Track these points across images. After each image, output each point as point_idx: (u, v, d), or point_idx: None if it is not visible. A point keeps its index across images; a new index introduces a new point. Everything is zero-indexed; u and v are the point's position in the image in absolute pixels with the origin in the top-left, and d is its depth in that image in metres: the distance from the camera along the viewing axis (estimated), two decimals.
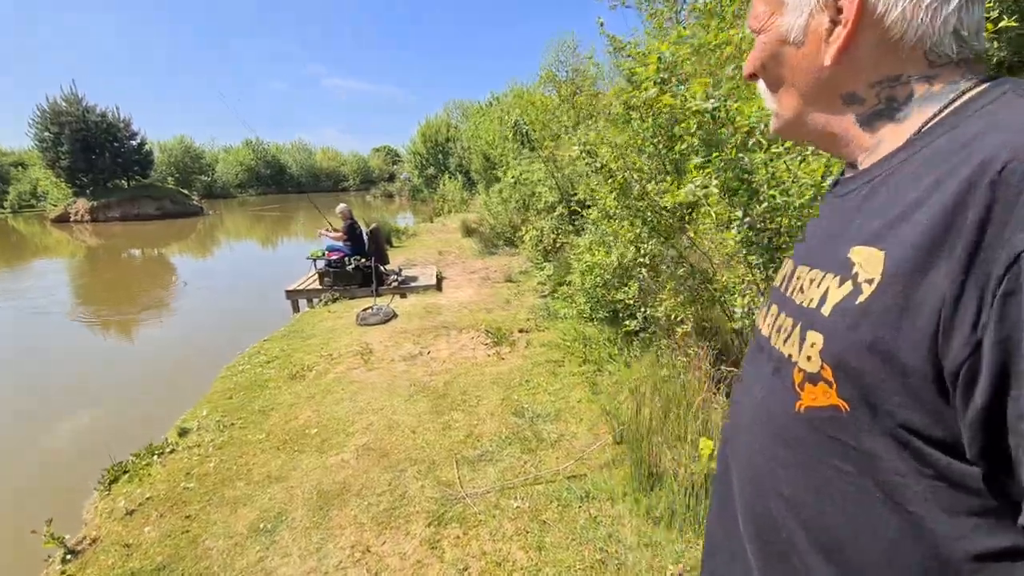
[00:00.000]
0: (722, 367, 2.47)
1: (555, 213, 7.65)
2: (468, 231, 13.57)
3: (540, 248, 7.87)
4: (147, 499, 2.81)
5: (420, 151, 34.84)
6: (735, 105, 1.96)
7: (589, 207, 7.15)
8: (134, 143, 26.47)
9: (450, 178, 27.78)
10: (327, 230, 7.52)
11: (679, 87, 2.36)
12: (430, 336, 5.44)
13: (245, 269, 13.81)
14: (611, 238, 4.54)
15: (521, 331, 5.44)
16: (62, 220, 24.35)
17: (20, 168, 34.22)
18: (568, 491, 2.67)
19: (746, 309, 2.36)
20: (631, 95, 5.17)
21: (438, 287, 7.55)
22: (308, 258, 7.30)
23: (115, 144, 25.41)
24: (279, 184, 54.29)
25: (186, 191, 31.50)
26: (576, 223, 7.19)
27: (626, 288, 4.31)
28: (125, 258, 16.52)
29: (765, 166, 1.99)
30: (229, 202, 44.12)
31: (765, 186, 1.96)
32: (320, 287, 7.15)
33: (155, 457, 3.21)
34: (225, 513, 2.65)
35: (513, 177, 7.99)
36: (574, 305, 5.04)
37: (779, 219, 1.97)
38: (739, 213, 2.03)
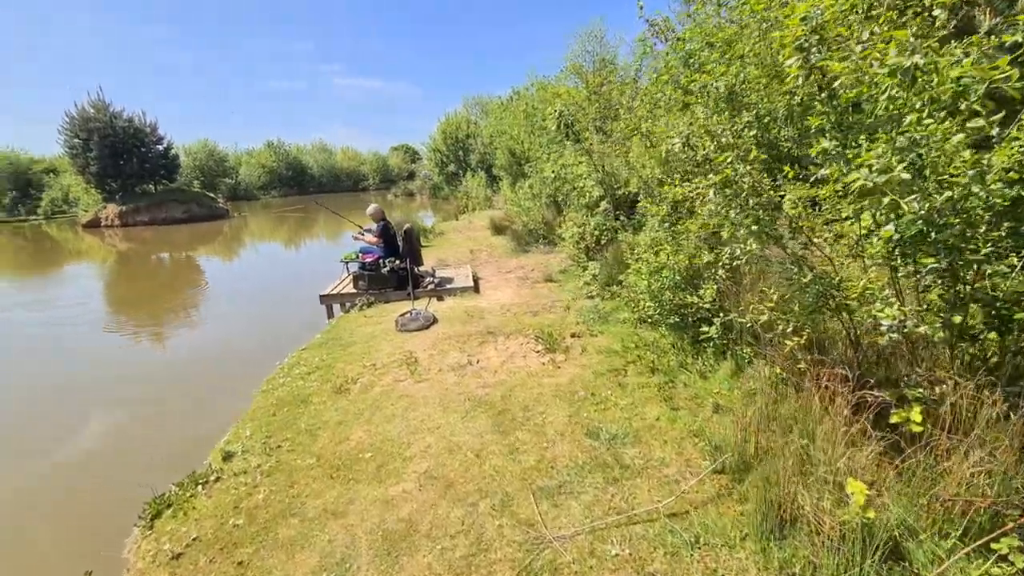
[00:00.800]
0: (866, 391, 2.06)
1: (599, 209, 7.23)
2: (497, 229, 13.23)
3: (582, 246, 7.47)
4: (194, 540, 2.53)
5: (440, 148, 34.60)
6: (943, 60, 1.53)
7: (637, 202, 6.73)
8: (160, 147, 26.76)
9: (472, 175, 27.46)
10: (361, 233, 7.24)
11: (820, 52, 1.94)
12: (475, 343, 5.10)
13: (272, 271, 13.73)
14: (682, 236, 4.12)
15: (573, 336, 5.07)
16: (93, 225, 24.78)
17: (52, 175, 35.02)
18: (673, 534, 2.29)
19: (897, 321, 1.94)
20: (691, 80, 4.73)
21: (475, 288, 7.21)
22: (341, 261, 7.04)
23: (142, 149, 25.71)
24: (300, 185, 54.70)
25: (212, 194, 31.80)
26: (625, 219, 6.78)
27: (699, 292, 3.90)
28: (155, 262, 16.62)
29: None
30: (253, 204, 44.60)
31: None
32: (355, 291, 6.88)
33: (199, 487, 2.93)
34: (281, 559, 2.35)
35: (553, 171, 7.57)
36: (637, 309, 4.64)
37: (973, 209, 1.55)
38: (914, 204, 1.61)
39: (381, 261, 6.99)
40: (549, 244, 10.24)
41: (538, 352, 4.72)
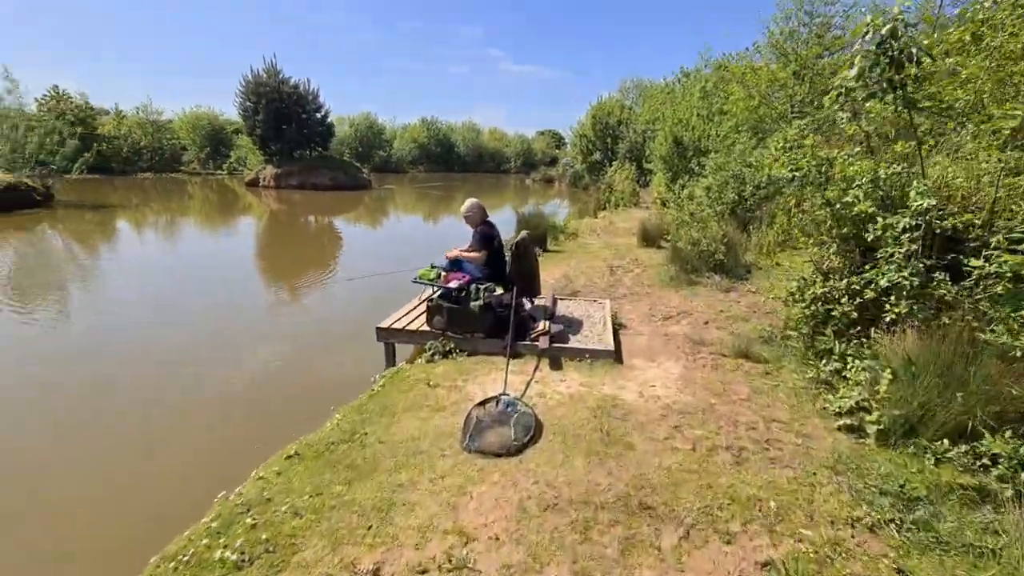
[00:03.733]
0: None
1: (899, 251, 3.73)
2: (648, 237, 10.06)
3: (816, 309, 4.08)
4: None
5: (588, 133, 31.55)
6: None
7: (967, 242, 3.25)
8: (319, 115, 27.77)
9: (620, 166, 24.08)
10: (462, 249, 4.79)
11: None
12: (612, 527, 2.29)
13: (403, 250, 12.13)
14: None
15: (843, 549, 2.00)
16: (252, 184, 26.58)
17: (239, 135, 39.24)
18: None
19: None
20: None
21: (616, 356, 4.33)
22: (416, 280, 4.63)
23: (303, 116, 26.82)
24: (446, 162, 55.76)
25: (358, 164, 32.66)
26: (941, 275, 3.29)
27: None
28: (302, 224, 16.60)
29: None
30: (400, 177, 46.09)
31: None
32: (428, 328, 4.45)
33: None
34: None
35: (788, 167, 4.17)
36: None
37: None
38: None
39: (474, 287, 4.46)
40: (731, 275, 6.89)
41: None
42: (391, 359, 4.59)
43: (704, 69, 22.92)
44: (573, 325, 4.88)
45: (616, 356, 4.29)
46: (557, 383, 3.83)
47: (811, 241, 4.35)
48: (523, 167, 57.36)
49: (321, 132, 28.26)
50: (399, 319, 4.67)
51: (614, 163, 25.72)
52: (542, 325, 4.48)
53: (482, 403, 3.27)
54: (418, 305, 4.92)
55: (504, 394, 3.39)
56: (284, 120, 26.08)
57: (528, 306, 4.97)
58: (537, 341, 4.28)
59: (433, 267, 4.54)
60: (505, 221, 14.39)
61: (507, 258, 4.65)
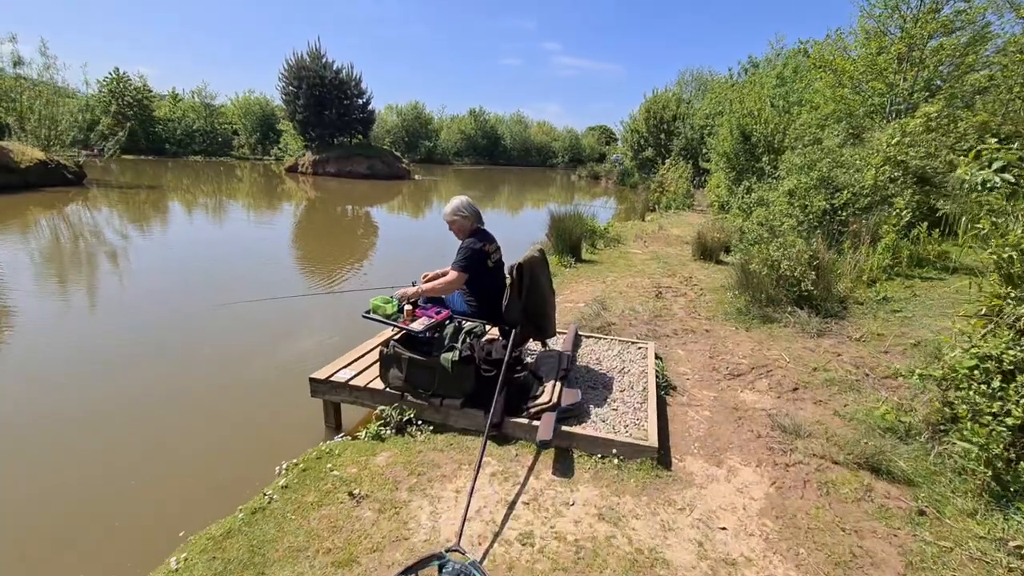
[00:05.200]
0: None
1: None
2: (705, 250, 8.31)
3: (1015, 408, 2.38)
4: None
5: (640, 128, 29.41)
6: None
7: None
8: (360, 101, 27.02)
9: (673, 164, 21.95)
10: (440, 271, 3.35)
11: None
12: None
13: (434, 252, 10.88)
14: None
15: None
16: (292, 170, 26.18)
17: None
18: None
19: None
20: None
21: (662, 453, 2.76)
22: (367, 315, 3.18)
23: (345, 102, 26.12)
24: (492, 155, 54.56)
25: (397, 153, 31.79)
26: None
27: None
28: (339, 212, 15.75)
29: None
30: (445, 168, 45.19)
31: None
32: (382, 386, 3.03)
33: None
34: None
35: (995, 167, 2.49)
36: None
37: None
38: None
39: (452, 328, 3.01)
40: (821, 312, 5.11)
41: None
42: (333, 423, 3.21)
43: (776, 59, 20.49)
44: (598, 387, 3.35)
45: (661, 454, 2.73)
46: (560, 510, 2.32)
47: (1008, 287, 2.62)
48: (570, 163, 55.40)
49: (362, 119, 27.52)
50: (350, 364, 3.27)
51: (667, 160, 23.62)
52: (548, 391, 2.97)
53: (410, 571, 1.81)
54: (374, 348, 3.50)
55: (452, 550, 1.92)
56: (325, 105, 25.45)
57: (531, 358, 3.47)
58: (538, 419, 2.78)
59: (390, 299, 3.08)
60: (535, 221, 12.73)
61: (505, 288, 3.15)
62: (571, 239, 7.93)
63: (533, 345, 3.83)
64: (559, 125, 64.07)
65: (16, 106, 15.51)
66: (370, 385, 3.00)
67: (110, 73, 34.36)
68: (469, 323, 3.11)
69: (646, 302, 5.70)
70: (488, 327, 3.29)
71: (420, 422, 2.90)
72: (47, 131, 15.44)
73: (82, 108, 18.29)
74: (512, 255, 3.30)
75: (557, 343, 3.96)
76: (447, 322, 3.05)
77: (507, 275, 3.09)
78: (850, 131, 10.58)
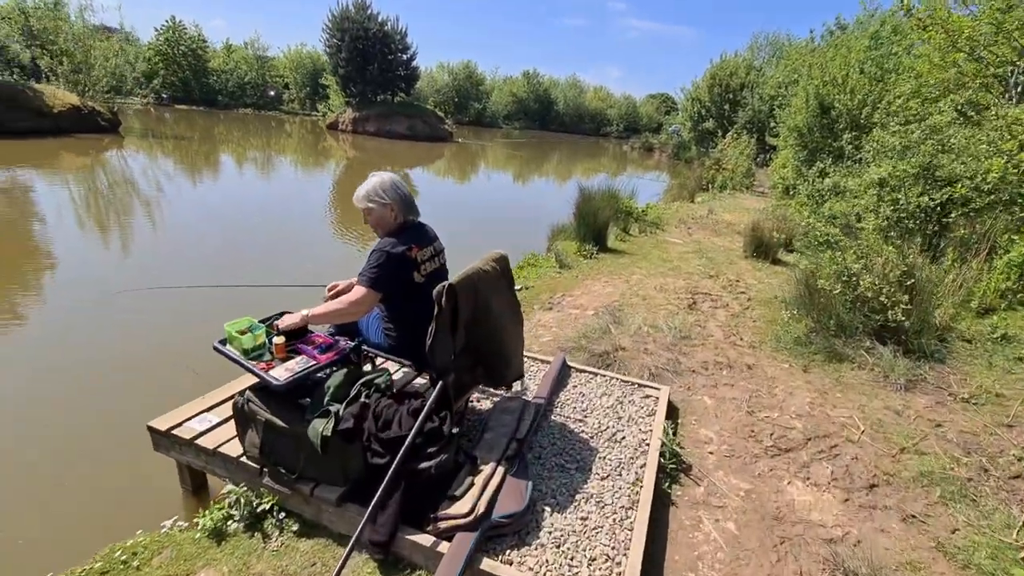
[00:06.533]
0: None
1: None
2: (760, 246, 6.87)
3: None
4: None
5: (702, 97, 26.78)
6: None
7: None
8: (405, 57, 25.78)
9: (735, 138, 19.72)
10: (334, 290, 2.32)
11: None
12: None
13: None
14: None
15: None
16: (332, 127, 25.56)
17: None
18: None
19: None
20: None
21: None
22: (218, 347, 2.20)
23: (388, 57, 24.97)
24: (543, 120, 52.28)
25: (441, 114, 30.52)
26: None
27: None
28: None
29: None
30: (493, 132, 43.50)
31: None
32: (240, 451, 2.08)
33: None
34: None
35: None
36: None
37: None
38: None
39: (340, 377, 2.00)
40: (912, 350, 3.76)
41: None
42: (190, 486, 2.31)
43: (870, 21, 17.59)
44: (570, 465, 2.28)
45: None
46: None
47: None
48: (625, 132, 52.28)
49: (405, 76, 26.35)
50: (211, 409, 2.33)
51: (729, 133, 21.33)
52: (478, 486, 1.93)
53: None
54: (231, 397, 2.53)
55: None
56: (367, 59, 24.42)
57: (490, 401, 2.44)
58: (449, 538, 1.77)
59: (262, 322, 2.09)
60: (562, 198, 11.16)
61: (438, 300, 2.10)
62: (596, 223, 6.67)
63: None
64: (617, 91, 60.41)
65: (55, 48, 15.40)
66: (221, 449, 2.05)
67: (166, 21, 34.58)
68: (379, 371, 2.10)
69: (674, 315, 4.49)
70: (411, 371, 2.27)
71: (283, 514, 1.94)
72: (83, 76, 15.27)
73: (139, 57, 17.97)
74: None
75: (533, 381, 2.90)
76: (331, 366, 2.03)
77: (439, 301, 2.01)
78: (958, 108, 8.58)
